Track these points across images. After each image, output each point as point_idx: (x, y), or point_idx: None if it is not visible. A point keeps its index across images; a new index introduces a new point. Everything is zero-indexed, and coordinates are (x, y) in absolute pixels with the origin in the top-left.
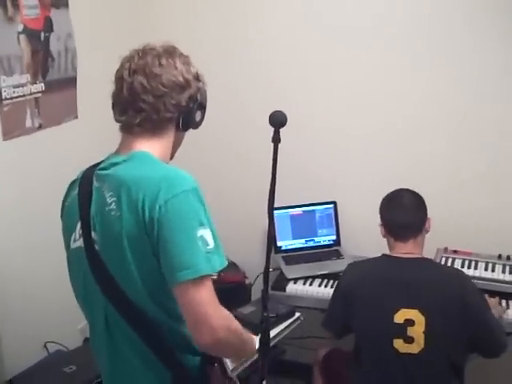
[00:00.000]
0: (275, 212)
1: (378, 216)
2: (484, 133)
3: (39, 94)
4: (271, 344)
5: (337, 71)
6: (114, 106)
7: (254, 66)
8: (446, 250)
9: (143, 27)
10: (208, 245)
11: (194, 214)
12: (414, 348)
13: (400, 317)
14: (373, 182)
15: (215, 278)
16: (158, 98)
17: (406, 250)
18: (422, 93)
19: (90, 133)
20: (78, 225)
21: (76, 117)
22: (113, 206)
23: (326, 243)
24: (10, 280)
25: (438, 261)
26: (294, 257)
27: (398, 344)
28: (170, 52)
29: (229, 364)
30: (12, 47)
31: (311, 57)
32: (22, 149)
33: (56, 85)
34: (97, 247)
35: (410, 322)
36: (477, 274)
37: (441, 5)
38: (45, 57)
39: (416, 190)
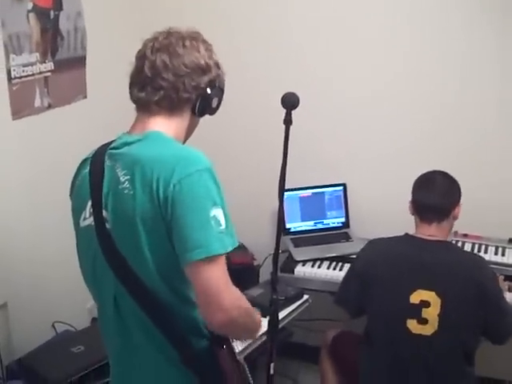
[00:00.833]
0: (284, 194)
1: (389, 199)
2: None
3: (48, 73)
4: (279, 326)
5: (351, 54)
6: (131, 86)
7: (268, 48)
8: (456, 233)
9: (154, 7)
10: (220, 225)
11: (208, 193)
12: (428, 330)
13: (416, 297)
14: (383, 164)
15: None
16: (179, 78)
17: (429, 232)
18: (435, 75)
19: (99, 113)
20: (89, 203)
21: (85, 96)
22: (126, 184)
23: (334, 225)
24: (19, 260)
25: None
26: (303, 239)
27: (412, 325)
28: (195, 37)
29: (236, 347)
30: (21, 25)
31: (325, 39)
32: (30, 128)
33: (65, 64)
34: (108, 226)
35: (425, 304)
36: (487, 257)
37: None
38: (54, 35)
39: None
